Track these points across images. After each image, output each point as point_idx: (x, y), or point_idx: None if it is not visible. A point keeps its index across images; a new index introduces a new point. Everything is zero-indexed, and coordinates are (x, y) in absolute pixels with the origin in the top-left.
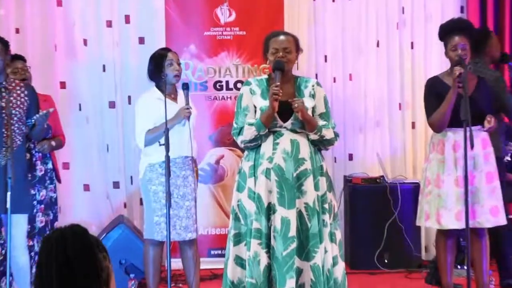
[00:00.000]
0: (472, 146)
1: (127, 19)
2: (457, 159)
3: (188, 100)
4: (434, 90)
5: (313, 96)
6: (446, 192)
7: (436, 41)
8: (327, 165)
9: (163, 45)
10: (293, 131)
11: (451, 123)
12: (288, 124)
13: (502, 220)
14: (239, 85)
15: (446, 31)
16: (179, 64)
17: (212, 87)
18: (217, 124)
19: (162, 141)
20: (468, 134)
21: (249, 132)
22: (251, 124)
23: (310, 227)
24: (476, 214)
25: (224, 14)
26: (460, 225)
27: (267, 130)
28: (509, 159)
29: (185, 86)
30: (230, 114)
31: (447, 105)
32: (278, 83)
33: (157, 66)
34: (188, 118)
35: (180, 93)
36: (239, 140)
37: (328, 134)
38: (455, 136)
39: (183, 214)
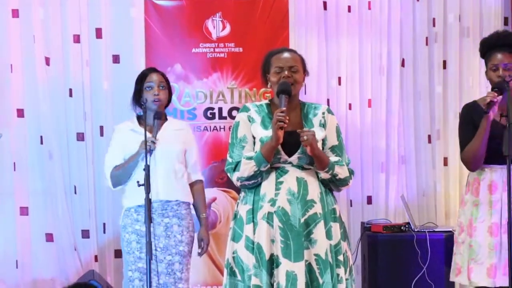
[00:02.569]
0: None
1: (98, 33)
2: (493, 203)
3: (156, 131)
4: (470, 119)
5: (323, 125)
6: (478, 242)
7: (474, 60)
8: (341, 209)
9: (142, 64)
10: (299, 167)
11: (490, 159)
12: (294, 159)
13: None
14: (234, 112)
15: (488, 47)
16: (163, 87)
17: (202, 115)
18: (208, 160)
19: (142, 180)
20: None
21: (247, 168)
22: (249, 158)
23: (323, 284)
24: None
25: (217, 27)
26: (492, 282)
27: (269, 165)
28: None
29: (157, 116)
30: (223, 148)
31: (480, 137)
32: (284, 109)
33: (137, 91)
34: (151, 152)
35: (169, 122)
36: (234, 177)
37: (342, 172)
38: (492, 174)
39: (162, 270)
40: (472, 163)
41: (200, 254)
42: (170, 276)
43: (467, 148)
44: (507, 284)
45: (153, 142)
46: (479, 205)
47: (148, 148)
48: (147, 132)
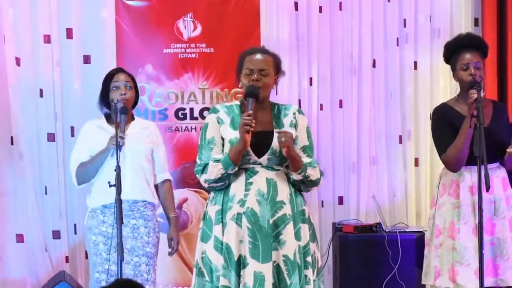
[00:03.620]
0: (488, 188)
1: (69, 33)
2: (475, 204)
3: (123, 127)
4: (447, 121)
5: (294, 126)
6: (463, 244)
7: None
8: (313, 210)
9: (113, 65)
10: (269, 168)
11: (467, 161)
12: (264, 159)
13: None
14: (205, 113)
15: (454, 49)
16: (129, 87)
17: (173, 116)
18: (179, 160)
19: (113, 181)
20: (483, 173)
21: (214, 170)
22: (217, 161)
23: (290, 285)
24: (499, 269)
25: (188, 27)
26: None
27: (236, 168)
28: None
29: (123, 111)
30: (195, 149)
31: (464, 138)
32: (251, 112)
33: (104, 91)
34: (120, 148)
35: (136, 122)
36: (202, 179)
37: (314, 174)
38: (472, 176)
39: (129, 272)
40: (456, 164)
41: (170, 254)
42: (137, 278)
43: (450, 149)
44: (492, 284)
45: (122, 138)
46: (461, 207)
47: (117, 144)
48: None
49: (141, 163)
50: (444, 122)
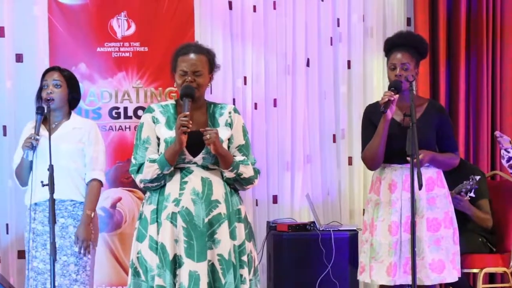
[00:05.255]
0: (420, 186)
1: (1, 31)
2: (392, 202)
3: (38, 127)
4: (370, 120)
5: (229, 125)
6: (378, 241)
7: (378, 60)
8: (247, 209)
9: (45, 63)
10: (204, 167)
11: (392, 159)
12: (199, 159)
13: (450, 277)
14: (140, 112)
15: (390, 46)
16: (59, 86)
17: (107, 115)
18: (113, 159)
19: (46, 180)
20: (415, 171)
21: (150, 171)
22: (152, 161)
23: (225, 284)
24: (416, 268)
25: (122, 26)
26: (390, 281)
27: (172, 168)
28: (473, 195)
29: (39, 111)
30: (129, 148)
31: (378, 137)
32: (187, 113)
33: (38, 89)
34: (32, 148)
35: (71, 121)
36: (137, 179)
37: (246, 171)
38: (392, 174)
39: (57, 271)
40: (370, 162)
41: (80, 253)
42: (65, 277)
43: (366, 148)
44: (407, 282)
45: (36, 139)
46: (380, 204)
47: (30, 145)
48: (34, 129)
49: (67, 163)
50: (369, 122)
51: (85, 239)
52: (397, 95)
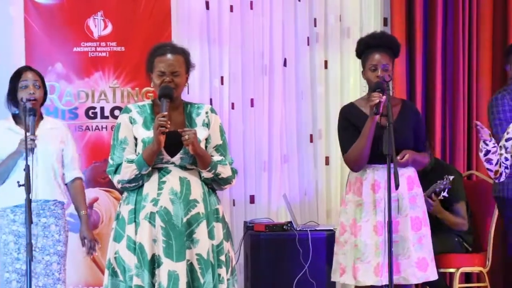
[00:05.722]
0: (397, 186)
1: None
2: (377, 202)
3: (33, 128)
4: (350, 121)
5: (207, 125)
6: (364, 242)
7: (355, 60)
8: (224, 209)
9: (21, 63)
10: (182, 167)
11: (372, 159)
12: (177, 159)
13: (432, 275)
14: (116, 112)
15: (365, 47)
16: (38, 86)
17: (83, 115)
18: (89, 159)
19: (22, 180)
20: (392, 171)
21: (127, 171)
22: (130, 161)
23: (204, 284)
24: (401, 267)
25: (98, 26)
26: (379, 281)
27: (150, 168)
28: (446, 195)
29: (31, 112)
30: (105, 148)
31: (365, 139)
32: (165, 113)
33: (11, 89)
34: (32, 150)
35: (45, 121)
36: (115, 179)
37: (224, 171)
38: (374, 174)
39: (40, 271)
40: (357, 164)
41: (88, 254)
42: (49, 277)
43: (351, 149)
44: (397, 282)
45: (33, 140)
46: (363, 205)
47: (29, 147)
48: (29, 130)
49: (52, 163)
50: (348, 122)
51: (92, 238)
52: (385, 96)
